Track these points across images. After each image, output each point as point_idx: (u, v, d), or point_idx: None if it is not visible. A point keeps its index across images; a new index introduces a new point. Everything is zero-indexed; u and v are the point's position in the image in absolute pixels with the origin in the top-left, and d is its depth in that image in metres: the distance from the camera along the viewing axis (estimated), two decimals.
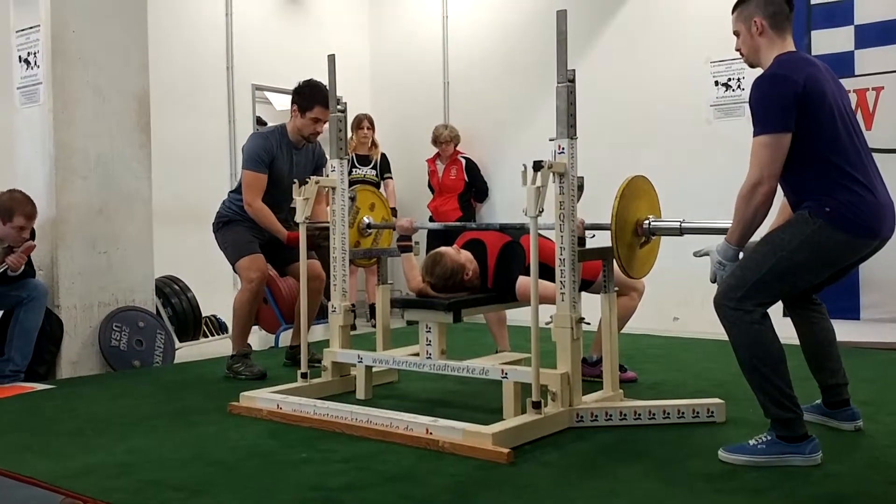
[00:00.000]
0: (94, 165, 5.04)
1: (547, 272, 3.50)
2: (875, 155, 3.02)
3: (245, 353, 4.72)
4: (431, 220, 7.04)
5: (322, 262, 4.73)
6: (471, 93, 7.64)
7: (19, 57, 5.07)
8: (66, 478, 2.85)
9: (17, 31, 5.09)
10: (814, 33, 5.65)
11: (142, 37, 5.29)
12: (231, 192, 4.98)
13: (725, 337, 2.89)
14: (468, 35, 7.69)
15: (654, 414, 3.42)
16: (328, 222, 4.30)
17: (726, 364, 3.79)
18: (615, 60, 6.71)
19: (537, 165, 3.12)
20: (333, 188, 4.21)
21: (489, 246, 4.02)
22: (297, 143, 4.78)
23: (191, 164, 6.69)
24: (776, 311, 2.93)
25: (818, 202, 2.81)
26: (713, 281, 2.97)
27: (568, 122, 3.28)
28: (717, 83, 6.24)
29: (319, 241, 4.50)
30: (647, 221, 3.47)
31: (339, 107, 4.24)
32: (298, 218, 4.00)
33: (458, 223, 6.48)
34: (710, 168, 6.06)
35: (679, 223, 3.42)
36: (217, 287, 6.42)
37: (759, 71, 2.96)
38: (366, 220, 4.51)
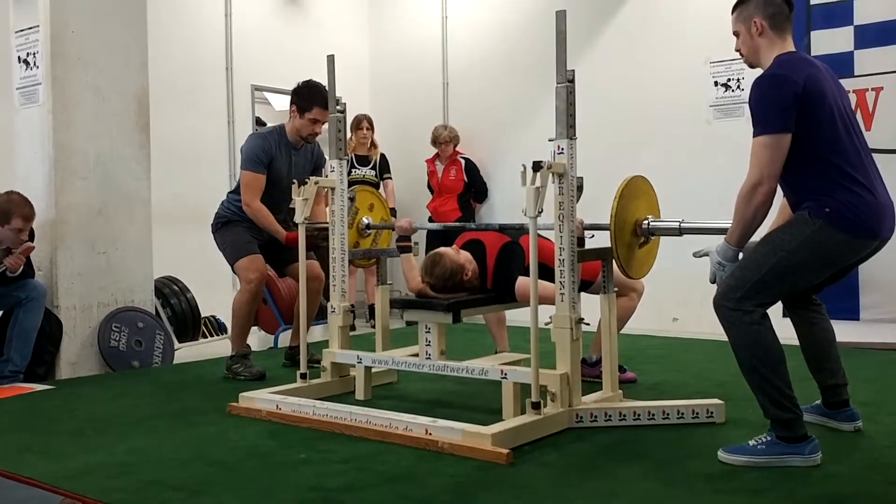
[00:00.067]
0: (94, 166, 5.04)
1: (546, 272, 3.50)
2: (875, 155, 3.01)
3: (244, 354, 4.72)
4: (431, 220, 7.04)
5: (321, 263, 4.73)
6: (470, 93, 7.64)
7: (18, 57, 5.07)
8: (66, 478, 2.85)
9: (16, 32, 5.08)
10: (813, 34, 5.65)
11: (141, 37, 5.29)
12: (230, 192, 4.97)
13: (725, 337, 2.89)
14: (468, 35, 7.69)
15: (653, 414, 3.42)
16: (327, 223, 4.30)
17: (726, 364, 3.79)
18: (615, 61, 6.72)
19: (537, 166, 3.12)
20: (332, 189, 4.21)
21: (488, 246, 4.02)
22: (296, 144, 4.77)
23: (190, 165, 6.69)
24: (776, 312, 2.93)
25: (818, 202, 2.81)
26: (713, 281, 2.97)
27: (567, 123, 3.28)
28: (716, 83, 6.24)
29: (318, 242, 4.50)
30: (646, 221, 3.47)
31: (338, 107, 4.24)
32: (297, 218, 4.00)
33: (457, 223, 6.48)
34: (709, 168, 6.06)
35: (678, 223, 3.42)
36: (216, 287, 6.42)
37: (758, 71, 2.96)
38: (365, 220, 4.51)
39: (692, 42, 6.30)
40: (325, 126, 4.50)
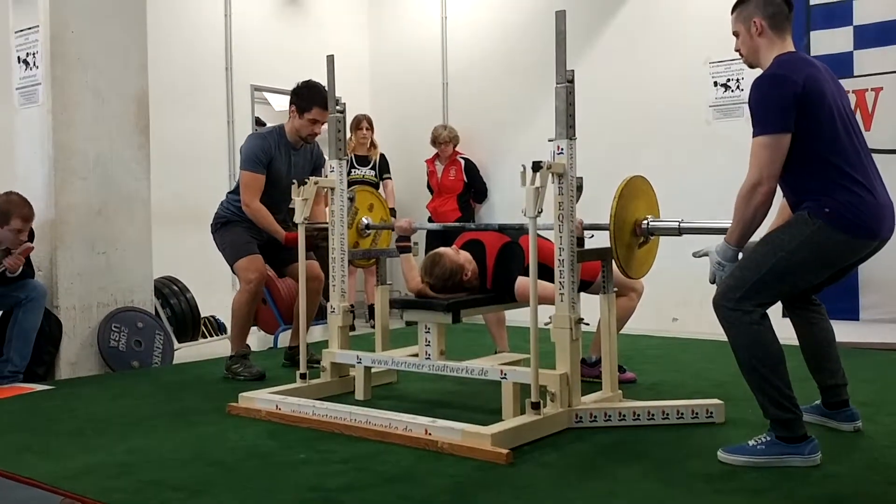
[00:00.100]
0: (94, 166, 5.04)
1: (546, 273, 3.50)
2: (874, 155, 3.01)
3: (244, 354, 4.72)
4: (430, 220, 7.04)
5: (321, 263, 4.73)
6: (470, 93, 7.64)
7: (18, 57, 5.07)
8: (66, 478, 2.85)
9: (15, 32, 5.08)
10: (813, 34, 5.65)
11: (141, 37, 5.29)
12: (229, 192, 4.97)
13: (724, 337, 2.89)
14: (467, 35, 7.69)
15: (653, 415, 3.42)
16: (326, 223, 4.30)
17: (725, 365, 3.79)
18: (614, 61, 6.72)
19: (536, 166, 3.12)
20: (332, 189, 4.21)
21: (488, 246, 4.02)
22: (295, 144, 4.77)
23: (190, 165, 6.69)
24: (775, 312, 2.93)
25: (818, 203, 2.81)
26: (712, 282, 2.97)
27: (567, 123, 3.28)
28: (716, 84, 6.24)
29: (318, 242, 4.50)
30: (645, 221, 3.47)
31: (337, 107, 4.24)
32: (297, 218, 4.00)
33: (456, 224, 6.48)
34: (709, 168, 6.06)
35: (678, 223, 3.42)
36: (216, 288, 6.42)
37: (758, 71, 2.96)
38: (364, 220, 4.51)
39: (692, 42, 6.30)
40: (325, 126, 4.50)
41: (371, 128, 7.29)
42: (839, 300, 5.14)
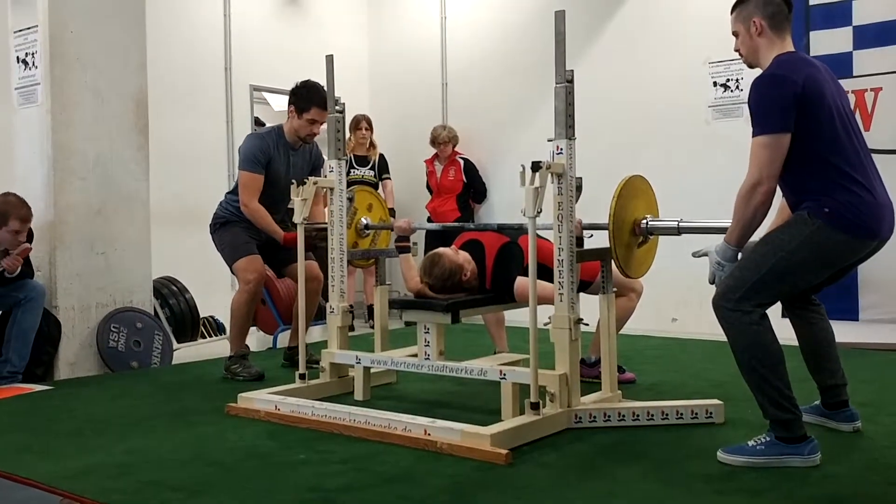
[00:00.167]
0: (93, 166, 5.04)
1: (545, 273, 3.50)
2: (874, 156, 3.01)
3: (243, 355, 4.71)
4: (430, 220, 7.03)
5: (319, 263, 4.73)
6: (469, 93, 7.64)
7: (17, 57, 5.07)
8: (65, 479, 2.84)
9: (14, 32, 5.08)
10: (812, 34, 5.65)
11: (140, 37, 5.29)
12: (228, 193, 4.97)
13: (724, 338, 2.89)
14: (467, 35, 7.69)
15: (652, 415, 3.42)
16: (326, 223, 4.30)
17: (725, 365, 3.79)
18: (614, 61, 6.72)
19: (535, 166, 3.12)
20: (331, 189, 4.20)
21: (487, 247, 4.02)
22: (294, 144, 4.77)
23: (189, 165, 6.69)
24: (775, 312, 2.93)
25: (817, 202, 2.81)
26: (711, 282, 2.97)
27: (566, 123, 3.28)
28: (715, 84, 6.24)
29: (317, 242, 4.50)
30: (644, 221, 3.47)
31: (337, 107, 4.23)
32: (296, 219, 4.00)
33: (456, 224, 6.48)
34: (708, 169, 6.06)
35: (677, 222, 3.42)
36: (215, 288, 6.42)
37: (757, 71, 2.96)
38: (363, 220, 4.50)
39: (691, 42, 6.30)
40: (324, 126, 4.50)
41: (370, 128, 7.29)
42: (838, 300, 5.15)
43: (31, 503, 2.78)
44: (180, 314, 5.77)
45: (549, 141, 3.32)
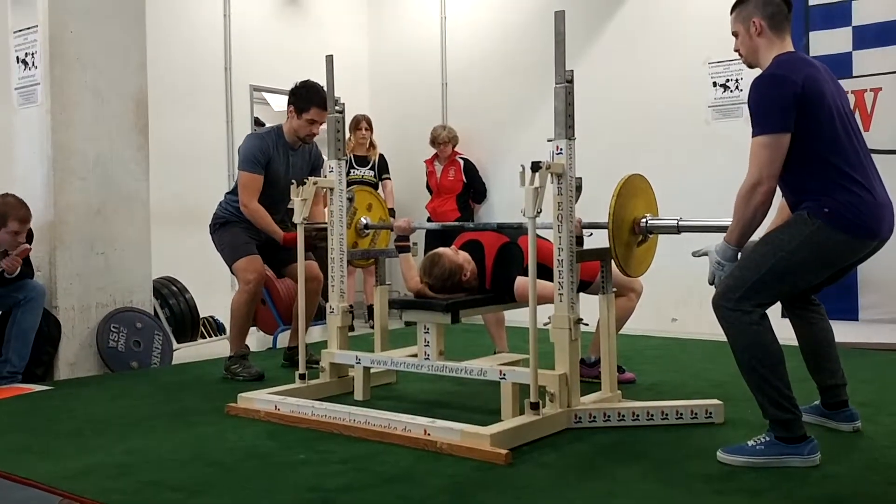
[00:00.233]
0: (93, 166, 5.04)
1: (545, 273, 3.50)
2: (873, 156, 3.01)
3: (243, 355, 4.71)
4: (429, 220, 7.03)
5: (319, 263, 4.73)
6: (469, 93, 7.64)
7: (17, 57, 5.07)
8: (65, 479, 2.84)
9: (14, 32, 5.08)
10: (812, 34, 5.65)
11: (140, 38, 5.29)
12: (227, 193, 4.97)
13: (724, 338, 2.89)
14: (467, 36, 7.69)
15: (652, 415, 3.42)
16: (325, 223, 4.30)
17: (725, 365, 3.79)
18: (614, 61, 6.72)
19: (535, 166, 3.12)
20: (331, 189, 4.20)
21: (487, 247, 4.02)
22: (294, 144, 4.77)
23: (189, 165, 6.69)
24: (775, 312, 2.93)
25: (817, 202, 2.81)
26: (711, 282, 2.97)
27: (566, 123, 3.28)
28: (715, 84, 6.24)
29: (316, 242, 4.50)
30: (644, 220, 3.46)
31: (336, 107, 4.23)
32: (296, 219, 4.00)
33: (455, 223, 6.48)
34: (708, 169, 6.06)
35: (676, 221, 3.42)
36: (215, 288, 6.42)
37: (757, 71, 2.96)
38: (363, 220, 4.50)
39: (691, 43, 6.30)
40: (324, 126, 4.49)
41: (370, 128, 7.29)
42: (838, 300, 5.15)
43: (30, 503, 2.78)
44: (180, 314, 5.77)
45: (548, 141, 3.32)
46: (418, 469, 2.90)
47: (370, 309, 6.83)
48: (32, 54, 4.97)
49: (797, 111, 2.77)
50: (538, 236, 3.38)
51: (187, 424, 3.62)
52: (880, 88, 5.44)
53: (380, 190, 7.00)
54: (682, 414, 3.43)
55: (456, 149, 7.38)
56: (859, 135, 2.94)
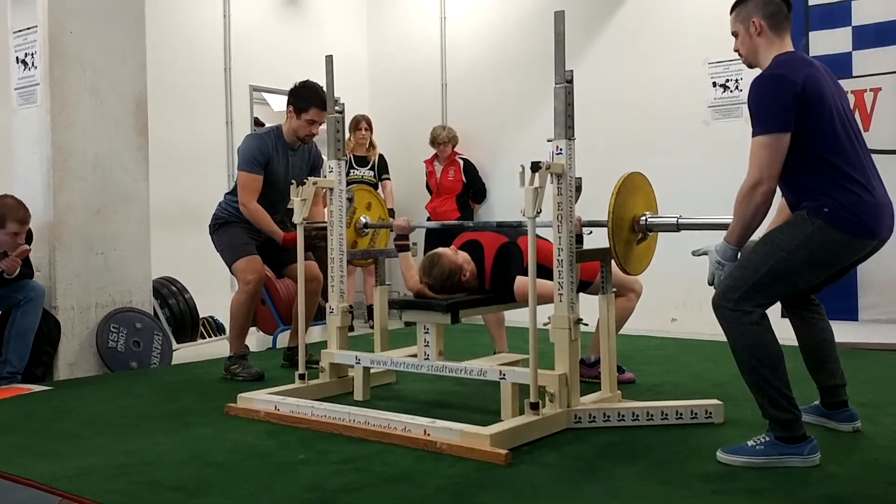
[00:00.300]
0: (92, 167, 5.04)
1: (545, 273, 3.50)
2: (873, 156, 3.01)
3: (242, 355, 4.71)
4: (429, 220, 7.03)
5: (319, 263, 4.72)
6: (469, 94, 7.64)
7: (17, 58, 5.07)
8: (64, 479, 2.84)
9: (14, 32, 5.08)
10: (812, 34, 5.66)
11: (140, 38, 5.29)
12: (227, 193, 4.97)
13: (724, 338, 2.89)
14: (467, 36, 7.69)
15: (652, 415, 3.42)
16: (325, 222, 4.30)
17: (725, 365, 3.79)
18: (614, 61, 6.72)
19: (535, 166, 3.12)
20: (331, 189, 4.20)
21: (486, 247, 4.02)
22: (293, 145, 4.77)
23: (189, 165, 6.69)
24: (775, 312, 2.93)
25: (817, 202, 2.81)
26: (711, 283, 2.97)
27: (566, 123, 3.28)
28: (715, 84, 6.24)
29: (316, 242, 4.50)
30: (643, 217, 3.46)
31: (336, 107, 4.23)
32: (296, 219, 4.00)
33: (455, 222, 6.48)
34: (708, 169, 6.06)
35: (676, 218, 3.42)
36: (215, 288, 6.42)
37: (757, 72, 2.96)
38: (363, 219, 4.50)
39: (691, 43, 6.30)
40: (323, 127, 4.49)
41: (370, 128, 7.29)
42: (838, 300, 5.15)
43: (30, 503, 2.77)
44: (180, 314, 5.76)
45: (548, 141, 3.31)
46: (418, 469, 2.90)
47: (370, 309, 6.82)
48: (32, 54, 4.96)
49: (797, 111, 2.77)
50: (538, 236, 3.38)
51: (187, 425, 3.61)
52: (880, 88, 5.44)
53: (379, 190, 7.00)
54: (682, 414, 3.43)
55: (456, 149, 7.38)
56: (859, 135, 2.94)
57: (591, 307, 3.61)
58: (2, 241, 4.52)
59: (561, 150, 3.28)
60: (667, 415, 3.43)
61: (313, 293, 4.76)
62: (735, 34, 3.05)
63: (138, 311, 5.20)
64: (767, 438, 2.84)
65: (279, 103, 6.94)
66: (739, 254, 2.92)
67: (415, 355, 3.86)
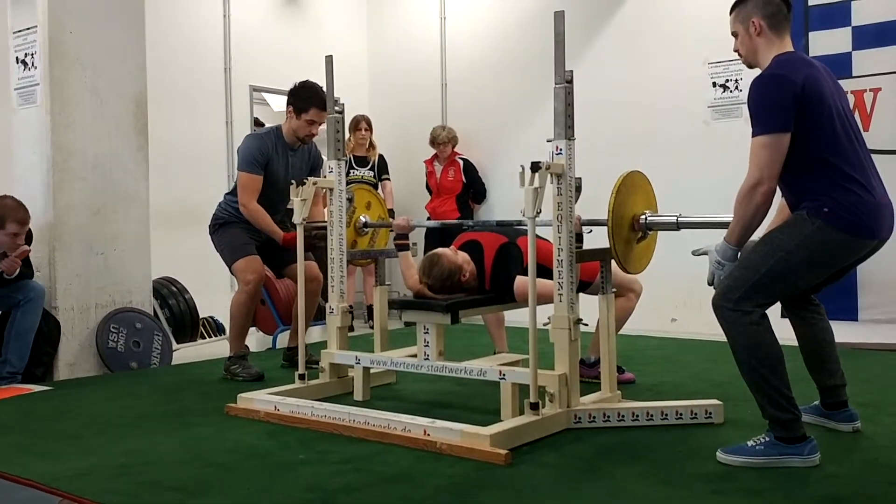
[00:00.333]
0: (92, 167, 5.04)
1: (545, 273, 3.50)
2: (873, 156, 3.01)
3: (242, 355, 4.71)
4: (429, 220, 7.03)
5: (319, 264, 4.73)
6: (469, 94, 7.64)
7: (16, 58, 5.07)
8: (64, 479, 2.84)
9: (14, 32, 5.08)
10: (811, 34, 5.66)
11: (140, 38, 5.29)
12: (227, 193, 4.97)
13: (724, 338, 2.89)
14: (466, 36, 7.68)
15: (652, 415, 3.42)
16: (325, 222, 4.29)
17: (724, 365, 3.79)
18: (613, 61, 6.71)
19: (535, 166, 3.12)
20: (331, 189, 4.20)
21: (486, 247, 4.02)
22: (293, 145, 4.77)
23: (189, 166, 6.69)
24: (775, 312, 2.93)
25: (817, 202, 2.81)
26: (710, 283, 2.97)
27: (566, 123, 3.28)
28: (714, 84, 6.24)
29: (316, 242, 4.50)
30: (643, 216, 3.46)
31: (336, 108, 4.23)
32: (296, 219, 4.00)
33: (454, 221, 6.47)
34: (708, 169, 6.06)
35: (676, 217, 3.42)
36: (214, 288, 6.42)
37: (757, 72, 2.96)
38: (362, 218, 4.50)
39: (690, 43, 6.30)
40: (323, 127, 4.49)
41: (370, 128, 7.29)
42: (838, 300, 5.15)
43: (30, 503, 2.77)
44: (180, 315, 5.76)
45: (548, 141, 3.31)
46: (418, 469, 2.90)
47: (370, 309, 6.82)
48: (32, 55, 4.96)
49: (797, 111, 2.77)
50: (538, 236, 3.38)
51: (187, 425, 3.61)
52: (880, 88, 5.44)
53: (379, 190, 7.00)
54: (681, 414, 3.43)
55: (455, 149, 7.38)
56: (859, 135, 2.94)
57: (590, 307, 3.61)
58: (1, 242, 4.52)
59: (561, 150, 3.28)
60: (667, 415, 3.43)
61: (313, 293, 4.76)
62: (735, 34, 3.05)
63: (138, 312, 5.20)
64: (767, 438, 2.84)
65: (279, 103, 6.94)
66: (739, 254, 2.92)
67: (415, 355, 3.86)
